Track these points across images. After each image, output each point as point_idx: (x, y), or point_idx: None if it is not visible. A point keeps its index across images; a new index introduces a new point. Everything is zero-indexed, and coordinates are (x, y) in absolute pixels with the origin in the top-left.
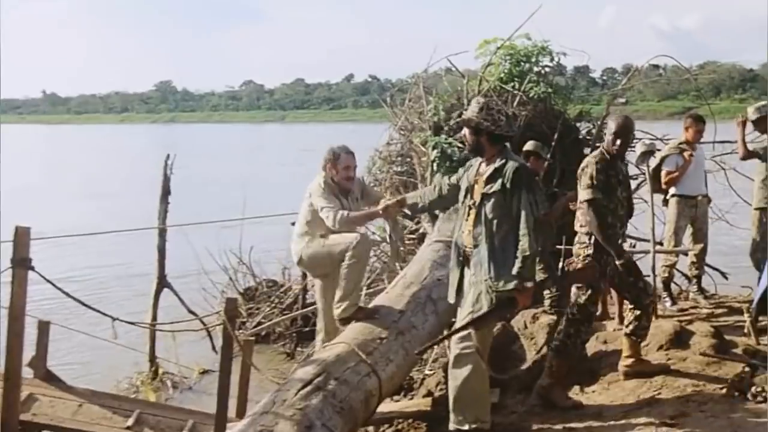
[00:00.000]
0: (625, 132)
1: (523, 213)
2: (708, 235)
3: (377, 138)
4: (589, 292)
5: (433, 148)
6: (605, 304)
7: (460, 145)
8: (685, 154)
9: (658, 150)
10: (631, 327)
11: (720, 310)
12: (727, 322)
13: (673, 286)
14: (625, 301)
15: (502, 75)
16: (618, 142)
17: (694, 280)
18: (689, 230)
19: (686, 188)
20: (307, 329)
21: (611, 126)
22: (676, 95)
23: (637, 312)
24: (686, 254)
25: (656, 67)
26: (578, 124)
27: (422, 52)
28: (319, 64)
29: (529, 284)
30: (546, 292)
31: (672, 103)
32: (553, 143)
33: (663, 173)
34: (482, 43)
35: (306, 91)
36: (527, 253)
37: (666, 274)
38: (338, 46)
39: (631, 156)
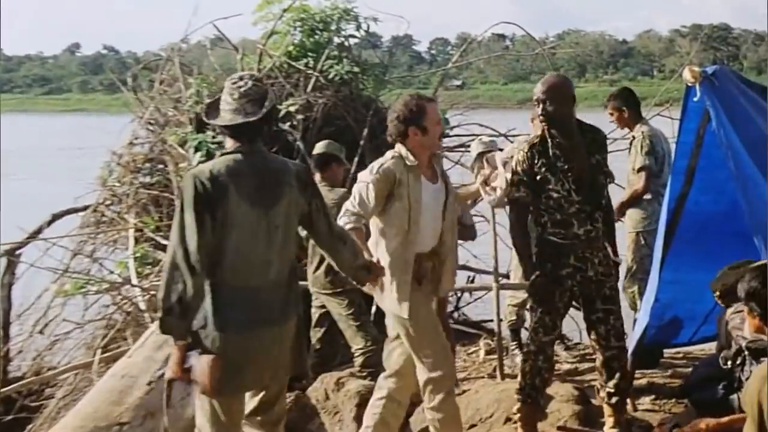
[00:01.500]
0: (555, 93)
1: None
2: None
3: (115, 136)
4: (539, 312)
5: (196, 149)
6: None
7: None
8: None
9: (500, 150)
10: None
11: (585, 365)
12: (594, 381)
13: (524, 332)
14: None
15: (291, 48)
16: (544, 109)
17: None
18: None
19: None
20: (8, 417)
21: (535, 90)
22: (528, 76)
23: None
24: None
25: (501, 37)
26: None
27: (179, 14)
28: (28, 29)
29: (178, 343)
30: (359, 347)
31: (522, 86)
32: (361, 141)
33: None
34: (262, 4)
35: (6, 67)
36: (159, 305)
37: (513, 318)
38: (59, 3)
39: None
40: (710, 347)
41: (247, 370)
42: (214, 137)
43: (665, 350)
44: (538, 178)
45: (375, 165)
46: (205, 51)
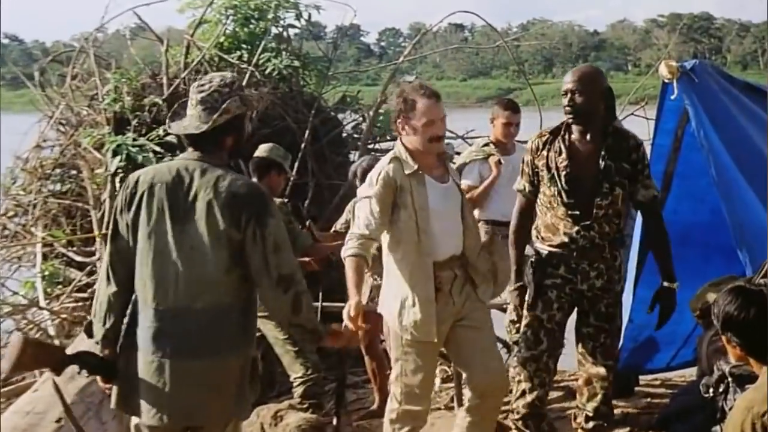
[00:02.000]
0: (586, 84)
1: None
2: None
3: (20, 138)
4: (523, 325)
5: (114, 153)
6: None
7: (157, 148)
8: (493, 160)
9: (458, 154)
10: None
11: (555, 394)
12: (564, 412)
13: None
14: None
15: (222, 39)
16: (571, 100)
17: (517, 349)
18: None
19: (496, 211)
20: None
21: (565, 79)
22: (489, 71)
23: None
24: (503, 309)
25: (459, 28)
26: (342, 116)
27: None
28: None
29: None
30: (298, 375)
31: (483, 82)
32: (303, 145)
33: (462, 188)
34: None
35: None
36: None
37: None
38: None
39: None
40: (690, 373)
41: (150, 397)
42: (135, 139)
43: (640, 376)
44: (536, 171)
45: (374, 174)
46: (125, 42)
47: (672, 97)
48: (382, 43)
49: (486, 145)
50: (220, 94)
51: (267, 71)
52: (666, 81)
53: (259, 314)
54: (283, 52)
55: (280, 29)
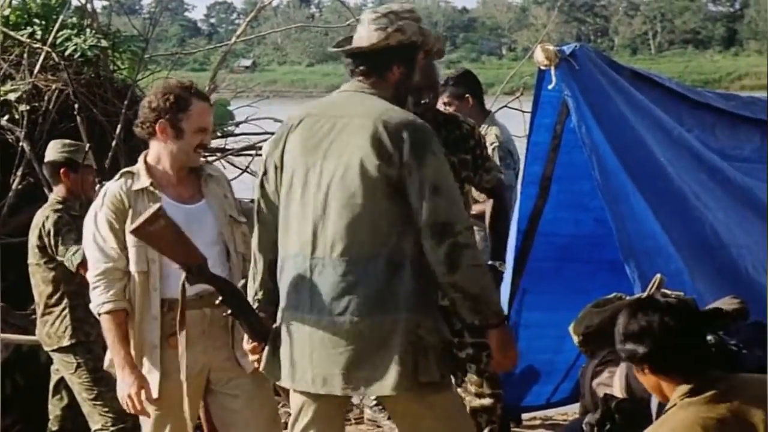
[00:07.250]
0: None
1: None
2: None
3: None
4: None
5: None
6: None
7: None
8: None
9: None
10: None
11: None
12: None
13: None
14: None
15: (8, 12)
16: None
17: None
18: None
19: None
20: None
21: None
22: (341, 55)
23: None
24: None
25: (305, 3)
26: None
27: None
28: None
29: None
30: (97, 427)
31: (334, 68)
32: (114, 142)
33: None
34: None
35: None
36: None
37: None
38: None
39: None
40: (574, 410)
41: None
42: None
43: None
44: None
45: (99, 196)
46: None
47: (550, 87)
48: (212, 20)
49: None
50: (396, 16)
51: (67, 52)
52: (543, 68)
53: (50, 347)
54: (88, 30)
55: (83, 1)
